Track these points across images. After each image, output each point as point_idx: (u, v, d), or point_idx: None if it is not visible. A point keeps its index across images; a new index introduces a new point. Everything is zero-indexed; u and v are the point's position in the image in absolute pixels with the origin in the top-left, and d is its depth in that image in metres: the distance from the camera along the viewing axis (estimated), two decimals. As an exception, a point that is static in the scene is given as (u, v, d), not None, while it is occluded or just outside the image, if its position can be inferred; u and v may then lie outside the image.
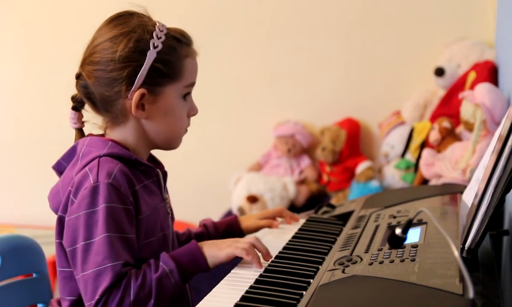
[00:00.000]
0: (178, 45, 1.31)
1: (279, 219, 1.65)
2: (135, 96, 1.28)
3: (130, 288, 1.17)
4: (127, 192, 1.24)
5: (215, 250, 1.26)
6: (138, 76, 1.27)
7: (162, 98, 1.31)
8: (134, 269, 1.21)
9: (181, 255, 1.25)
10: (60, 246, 1.28)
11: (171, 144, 1.38)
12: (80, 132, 1.38)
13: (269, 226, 1.61)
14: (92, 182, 1.22)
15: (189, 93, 1.37)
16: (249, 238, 1.32)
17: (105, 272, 1.18)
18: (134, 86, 1.27)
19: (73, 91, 1.36)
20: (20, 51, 3.43)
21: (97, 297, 1.17)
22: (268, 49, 3.14)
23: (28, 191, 3.42)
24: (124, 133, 1.33)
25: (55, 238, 1.30)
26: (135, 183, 1.27)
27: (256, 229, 1.61)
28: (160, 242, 1.34)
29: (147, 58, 1.27)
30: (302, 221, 1.65)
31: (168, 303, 1.22)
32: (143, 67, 1.27)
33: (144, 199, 1.29)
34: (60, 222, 1.27)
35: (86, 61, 1.31)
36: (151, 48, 1.27)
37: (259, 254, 1.31)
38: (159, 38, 1.28)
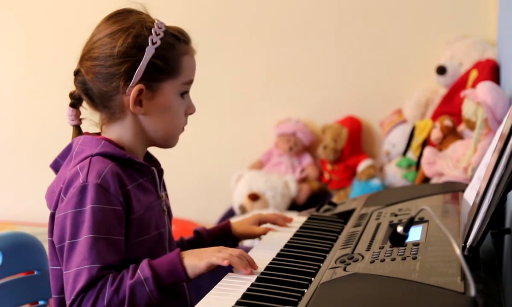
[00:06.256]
0: (176, 42, 1.32)
1: (275, 226, 1.60)
2: (133, 91, 1.28)
3: (105, 292, 1.17)
4: (116, 193, 1.24)
5: (196, 260, 1.21)
6: (136, 71, 1.27)
7: (160, 94, 1.31)
8: (113, 273, 1.20)
9: (161, 264, 1.21)
10: (52, 244, 1.28)
11: (168, 141, 1.38)
12: (77, 129, 1.38)
13: (265, 233, 1.56)
14: (81, 181, 1.22)
15: (187, 91, 1.36)
16: (234, 250, 1.25)
17: (82, 274, 1.18)
18: (132, 81, 1.28)
19: (73, 89, 1.36)
20: (20, 50, 3.43)
21: (72, 297, 1.18)
22: (269, 47, 3.14)
23: (29, 189, 3.41)
24: (120, 130, 1.33)
25: (47, 236, 1.30)
26: (127, 183, 1.27)
27: (252, 235, 1.57)
28: (155, 241, 1.33)
29: (145, 53, 1.28)
30: (303, 219, 1.65)
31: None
32: (141, 63, 1.27)
33: (138, 198, 1.29)
34: (52, 220, 1.27)
35: (85, 57, 1.31)
36: (149, 44, 1.28)
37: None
38: (157, 35, 1.29)
